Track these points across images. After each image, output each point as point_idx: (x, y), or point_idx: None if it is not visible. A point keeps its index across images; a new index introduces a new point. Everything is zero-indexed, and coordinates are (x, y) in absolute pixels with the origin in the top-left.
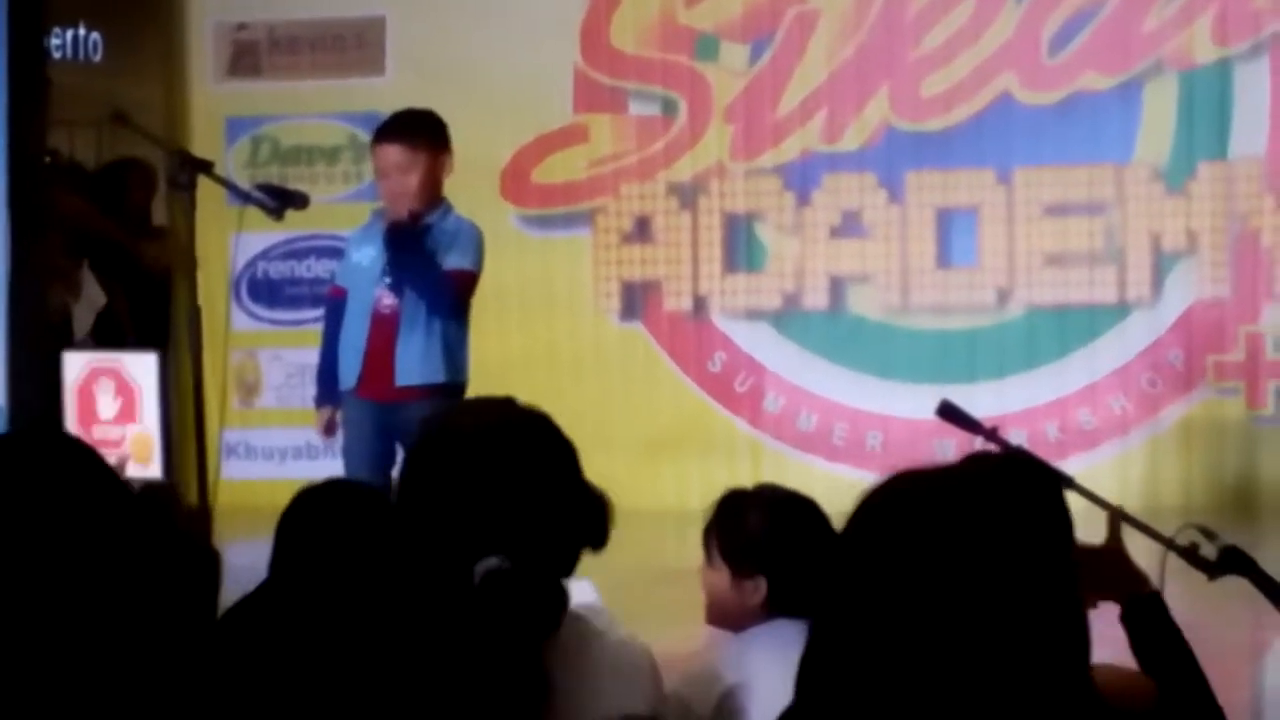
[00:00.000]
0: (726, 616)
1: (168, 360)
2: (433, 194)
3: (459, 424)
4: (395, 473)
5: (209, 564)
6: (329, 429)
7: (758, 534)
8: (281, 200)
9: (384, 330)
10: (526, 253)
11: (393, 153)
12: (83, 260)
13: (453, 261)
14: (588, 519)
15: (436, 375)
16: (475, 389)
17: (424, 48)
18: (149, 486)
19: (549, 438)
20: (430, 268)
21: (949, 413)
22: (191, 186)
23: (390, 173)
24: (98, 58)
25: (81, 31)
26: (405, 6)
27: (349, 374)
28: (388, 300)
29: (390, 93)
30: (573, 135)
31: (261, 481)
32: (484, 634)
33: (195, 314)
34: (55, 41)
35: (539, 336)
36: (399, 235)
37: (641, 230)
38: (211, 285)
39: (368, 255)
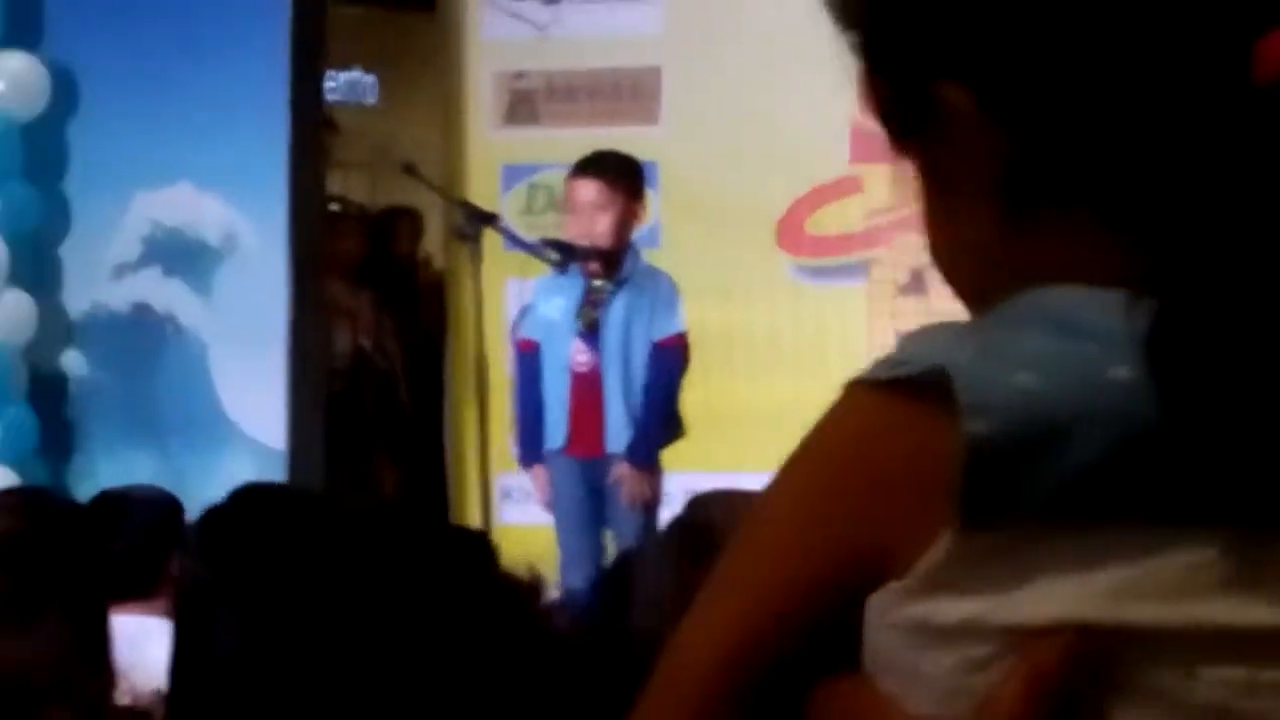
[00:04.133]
0: None
1: None
2: (622, 239)
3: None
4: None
5: None
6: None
7: None
8: (567, 254)
9: (586, 389)
10: (801, 303)
11: (589, 189)
12: (369, 294)
13: (662, 326)
14: None
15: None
16: (745, 436)
17: (699, 98)
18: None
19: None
20: (660, 393)
21: None
22: (477, 238)
23: (584, 209)
24: (372, 101)
25: (358, 74)
26: (681, 58)
27: (556, 433)
28: (582, 357)
29: (664, 142)
30: (848, 187)
31: (536, 527)
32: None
33: (481, 363)
34: (330, 84)
35: (811, 385)
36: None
37: (916, 282)
38: (487, 332)
39: (558, 306)
